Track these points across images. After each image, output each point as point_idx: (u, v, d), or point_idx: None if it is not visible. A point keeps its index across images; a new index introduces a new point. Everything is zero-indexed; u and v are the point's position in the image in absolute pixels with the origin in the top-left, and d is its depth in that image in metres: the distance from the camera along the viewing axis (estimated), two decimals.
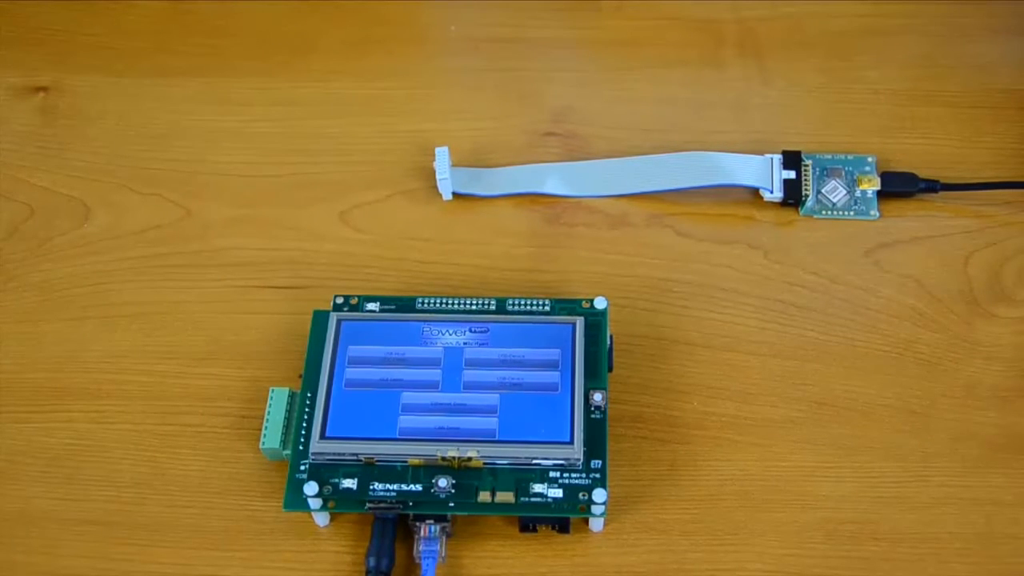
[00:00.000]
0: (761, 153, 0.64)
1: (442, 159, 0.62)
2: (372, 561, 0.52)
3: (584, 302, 0.57)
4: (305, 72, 0.70)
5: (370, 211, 0.64)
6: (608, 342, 0.56)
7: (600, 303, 0.56)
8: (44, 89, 0.70)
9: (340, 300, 0.57)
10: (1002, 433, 0.56)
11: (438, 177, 0.63)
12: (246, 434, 0.57)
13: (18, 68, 0.71)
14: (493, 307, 0.57)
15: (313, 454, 0.53)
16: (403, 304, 0.57)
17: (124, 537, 0.55)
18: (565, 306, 0.57)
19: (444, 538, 0.53)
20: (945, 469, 0.55)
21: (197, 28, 0.72)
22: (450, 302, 0.57)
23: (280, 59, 0.71)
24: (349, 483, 0.52)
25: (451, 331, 0.56)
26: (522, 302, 0.57)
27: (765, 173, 0.63)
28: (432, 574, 0.52)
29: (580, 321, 0.55)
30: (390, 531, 0.52)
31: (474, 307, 0.57)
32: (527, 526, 0.53)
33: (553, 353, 0.55)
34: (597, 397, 0.54)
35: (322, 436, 0.53)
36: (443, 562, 0.53)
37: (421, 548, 0.52)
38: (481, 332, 0.56)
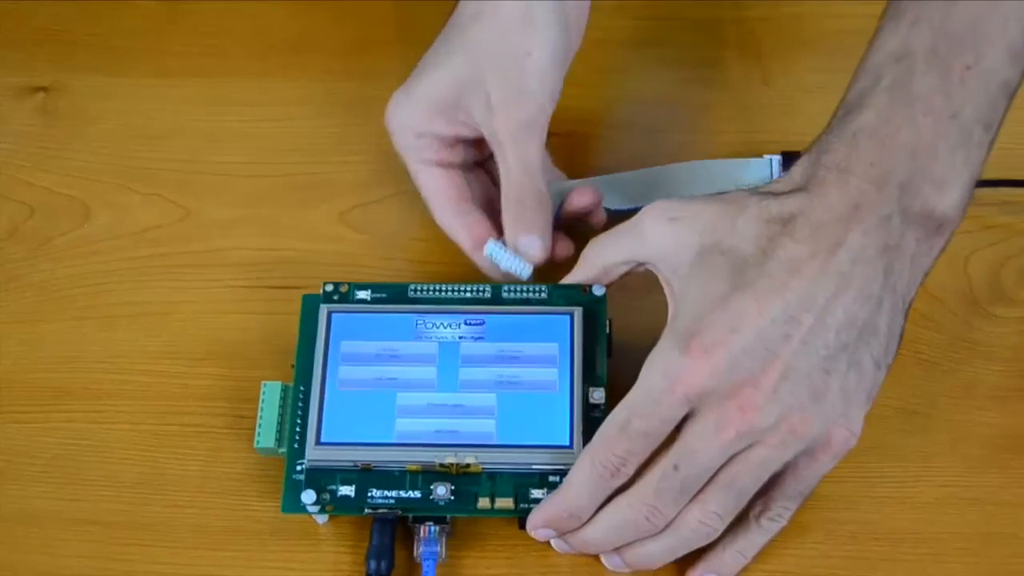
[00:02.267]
0: (761, 154, 0.64)
1: (500, 253, 0.57)
2: (372, 564, 0.52)
3: (582, 289, 0.56)
4: (305, 72, 0.70)
5: (370, 211, 0.64)
6: (607, 327, 0.55)
7: (598, 290, 0.56)
8: (44, 89, 0.70)
9: (330, 288, 0.57)
10: (1002, 433, 0.56)
11: (515, 270, 0.57)
12: (246, 434, 0.57)
13: (18, 68, 0.71)
14: (488, 294, 0.56)
15: (309, 460, 0.52)
16: (395, 292, 0.57)
17: (124, 537, 0.55)
18: (563, 293, 0.56)
19: (444, 539, 0.52)
20: (945, 469, 0.55)
21: (197, 28, 0.72)
22: (443, 288, 0.57)
23: (280, 59, 0.71)
24: (347, 490, 0.52)
25: (445, 324, 0.55)
26: (518, 288, 0.56)
27: (764, 176, 0.62)
28: (432, 575, 0.52)
29: (578, 312, 0.55)
30: (389, 532, 0.52)
31: (468, 294, 0.56)
32: None
33: (551, 348, 0.54)
34: (596, 395, 0.54)
35: (318, 442, 0.52)
36: (443, 561, 0.52)
37: (421, 549, 0.52)
38: (476, 325, 0.55)
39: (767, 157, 0.63)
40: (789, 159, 0.63)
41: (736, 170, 0.63)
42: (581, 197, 0.59)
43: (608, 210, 0.61)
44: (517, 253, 0.57)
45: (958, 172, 0.48)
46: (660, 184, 0.63)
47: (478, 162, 0.61)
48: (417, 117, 0.58)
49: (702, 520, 0.49)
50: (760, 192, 0.50)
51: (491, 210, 0.60)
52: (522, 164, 0.57)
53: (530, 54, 0.57)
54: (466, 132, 0.59)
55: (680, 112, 0.68)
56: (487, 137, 0.58)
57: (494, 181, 0.61)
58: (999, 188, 0.63)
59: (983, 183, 0.62)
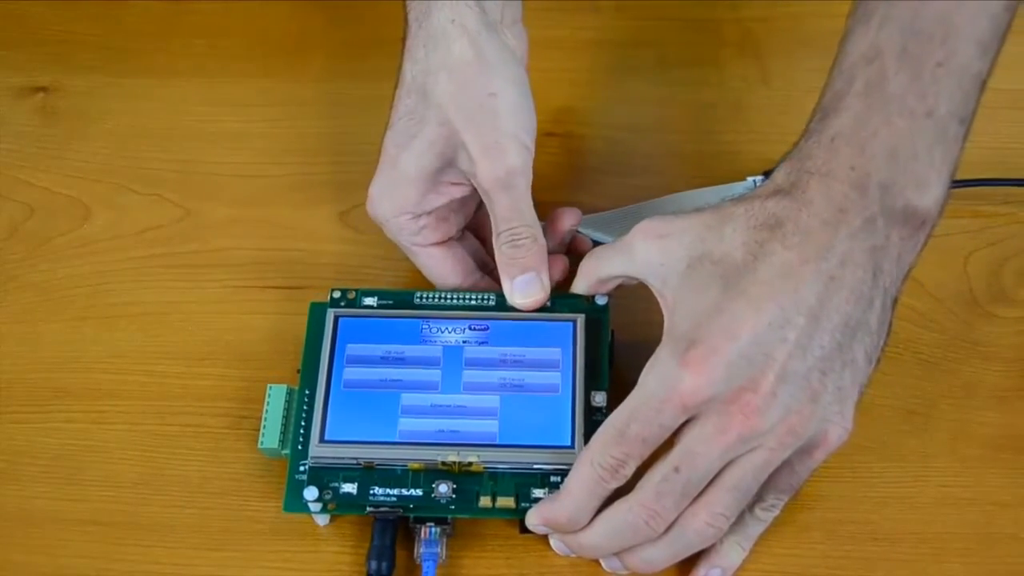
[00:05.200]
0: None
1: None
2: (373, 564, 0.52)
3: (585, 298, 0.56)
4: (305, 72, 0.70)
5: None
6: (609, 337, 0.56)
7: (601, 299, 0.56)
8: (44, 89, 0.70)
9: (337, 294, 0.57)
10: (1002, 433, 0.56)
11: None
12: (245, 434, 0.57)
13: (18, 68, 0.71)
14: (492, 302, 0.57)
15: (312, 458, 0.53)
16: (401, 298, 0.57)
17: (124, 537, 0.55)
18: (566, 302, 0.56)
19: (445, 539, 0.53)
20: (945, 469, 0.56)
21: (197, 28, 0.72)
22: (449, 296, 0.57)
23: (280, 59, 0.71)
24: (349, 487, 0.52)
25: (450, 329, 0.55)
26: None
27: None
28: (433, 575, 0.52)
29: (581, 319, 0.55)
30: (391, 532, 0.52)
31: (473, 302, 0.57)
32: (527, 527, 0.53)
33: (554, 352, 0.55)
34: (598, 398, 0.54)
35: (321, 439, 0.53)
36: (444, 562, 0.52)
37: (422, 550, 0.52)
38: (481, 330, 0.55)
39: (749, 179, 0.63)
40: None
41: (721, 195, 0.62)
42: (565, 219, 0.59)
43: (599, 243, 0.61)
44: (514, 293, 0.56)
45: (937, 169, 0.49)
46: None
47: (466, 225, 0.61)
48: (410, 199, 0.57)
49: (709, 522, 0.49)
50: (745, 200, 0.50)
51: (485, 264, 0.60)
52: (512, 207, 0.56)
53: (495, 95, 0.56)
54: (457, 192, 0.58)
55: (680, 112, 0.68)
56: (475, 185, 0.57)
57: (477, 234, 0.61)
58: (999, 188, 0.63)
59: (981, 181, 0.62)
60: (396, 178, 0.57)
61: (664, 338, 0.49)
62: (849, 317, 0.48)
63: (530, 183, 0.56)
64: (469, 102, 0.55)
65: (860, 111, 0.48)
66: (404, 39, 0.58)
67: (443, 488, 0.52)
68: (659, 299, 0.51)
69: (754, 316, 0.47)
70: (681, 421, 0.48)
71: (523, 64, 0.59)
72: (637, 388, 0.49)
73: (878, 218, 0.48)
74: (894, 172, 0.48)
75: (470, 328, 0.55)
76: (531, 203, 0.56)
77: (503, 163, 0.55)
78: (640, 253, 0.51)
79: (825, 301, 0.47)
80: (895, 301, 0.50)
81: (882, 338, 0.50)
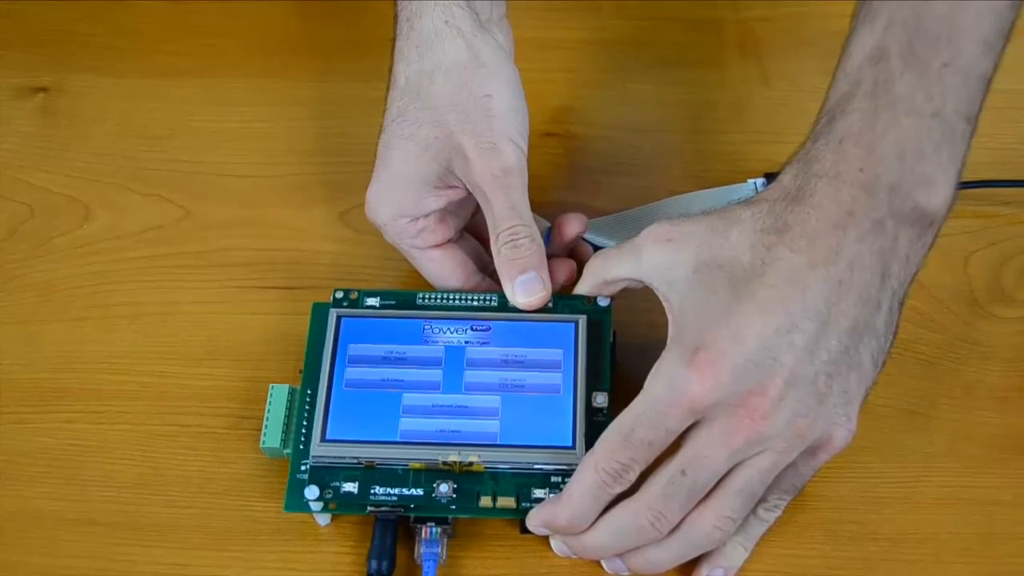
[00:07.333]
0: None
1: None
2: (374, 564, 0.52)
3: (587, 299, 0.56)
4: (305, 72, 0.70)
5: None
6: (611, 338, 0.56)
7: (603, 301, 0.56)
8: (44, 89, 0.70)
9: (340, 295, 0.57)
10: (1002, 433, 0.57)
11: None
12: (246, 434, 0.57)
13: (18, 68, 0.71)
14: (495, 303, 0.57)
15: (314, 457, 0.53)
16: (403, 299, 0.57)
17: (124, 537, 0.55)
18: (568, 303, 0.57)
19: (445, 539, 0.52)
20: (945, 469, 0.56)
21: (197, 28, 0.72)
22: (451, 297, 0.57)
23: (280, 59, 0.71)
24: (350, 487, 0.52)
25: (452, 329, 0.55)
26: None
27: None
28: (433, 575, 0.52)
29: (583, 320, 0.55)
30: (391, 532, 0.52)
31: (475, 303, 0.57)
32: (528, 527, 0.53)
33: (555, 353, 0.55)
34: (600, 399, 0.54)
35: (323, 439, 0.53)
36: (444, 562, 0.52)
37: (422, 550, 0.52)
38: (483, 331, 0.55)
39: (751, 181, 0.63)
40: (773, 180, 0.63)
41: (723, 198, 0.63)
42: (571, 225, 0.59)
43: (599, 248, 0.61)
44: (516, 294, 0.55)
45: (944, 168, 0.49)
46: (651, 222, 0.62)
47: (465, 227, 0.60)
48: (408, 202, 0.57)
49: (716, 525, 0.49)
50: (752, 203, 0.50)
51: (486, 266, 0.60)
52: (509, 207, 0.55)
53: (491, 96, 0.56)
54: (454, 195, 0.57)
55: (680, 112, 0.68)
56: (470, 188, 0.56)
57: (476, 235, 0.61)
58: (1000, 188, 0.63)
59: (983, 183, 0.62)
60: (392, 181, 0.57)
61: (669, 343, 0.49)
62: (857, 321, 0.48)
63: (526, 183, 0.56)
64: (465, 104, 0.55)
65: (868, 112, 0.48)
66: (394, 39, 0.58)
67: (444, 488, 0.52)
68: (664, 303, 0.51)
69: (761, 321, 0.47)
70: (687, 425, 0.48)
71: (512, 61, 0.59)
72: (642, 393, 0.49)
73: (887, 220, 0.48)
74: (903, 173, 0.48)
75: (472, 328, 0.55)
76: (527, 203, 0.56)
77: (499, 163, 0.55)
78: (648, 256, 0.51)
79: (833, 305, 0.47)
80: (902, 303, 0.50)
81: (889, 340, 0.50)
